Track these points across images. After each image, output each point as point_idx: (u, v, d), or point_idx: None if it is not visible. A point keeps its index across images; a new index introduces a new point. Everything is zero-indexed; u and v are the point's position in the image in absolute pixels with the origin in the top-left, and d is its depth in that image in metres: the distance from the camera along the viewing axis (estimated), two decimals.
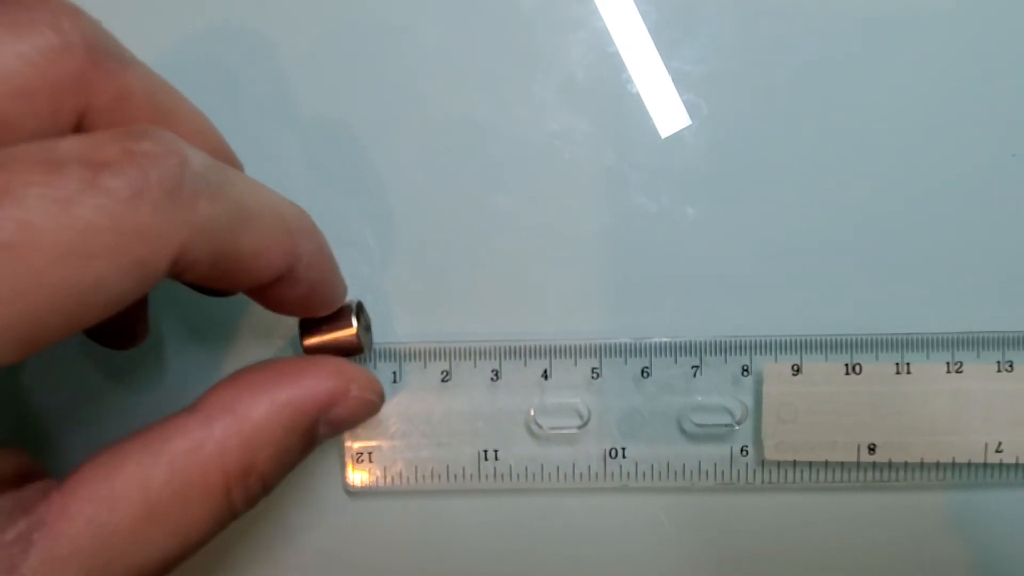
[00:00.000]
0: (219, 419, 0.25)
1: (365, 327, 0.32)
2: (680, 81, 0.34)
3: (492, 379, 0.34)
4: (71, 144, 0.21)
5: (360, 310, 0.31)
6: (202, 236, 0.22)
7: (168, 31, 0.34)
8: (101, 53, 0.23)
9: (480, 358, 0.34)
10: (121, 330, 0.31)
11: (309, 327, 0.30)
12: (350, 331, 0.30)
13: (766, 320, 0.34)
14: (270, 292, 0.26)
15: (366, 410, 0.28)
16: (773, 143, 0.34)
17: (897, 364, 0.33)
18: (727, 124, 0.34)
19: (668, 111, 0.34)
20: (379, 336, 0.34)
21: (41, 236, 0.19)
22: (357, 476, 0.34)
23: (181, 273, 0.23)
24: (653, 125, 0.34)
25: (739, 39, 0.34)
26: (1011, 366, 0.33)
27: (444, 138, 0.34)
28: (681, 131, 0.34)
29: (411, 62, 0.34)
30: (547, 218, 0.34)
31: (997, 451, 0.33)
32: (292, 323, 0.31)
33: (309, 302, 0.28)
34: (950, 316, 0.34)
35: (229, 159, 0.28)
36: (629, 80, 0.34)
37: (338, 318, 0.30)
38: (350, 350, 0.30)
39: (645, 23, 0.34)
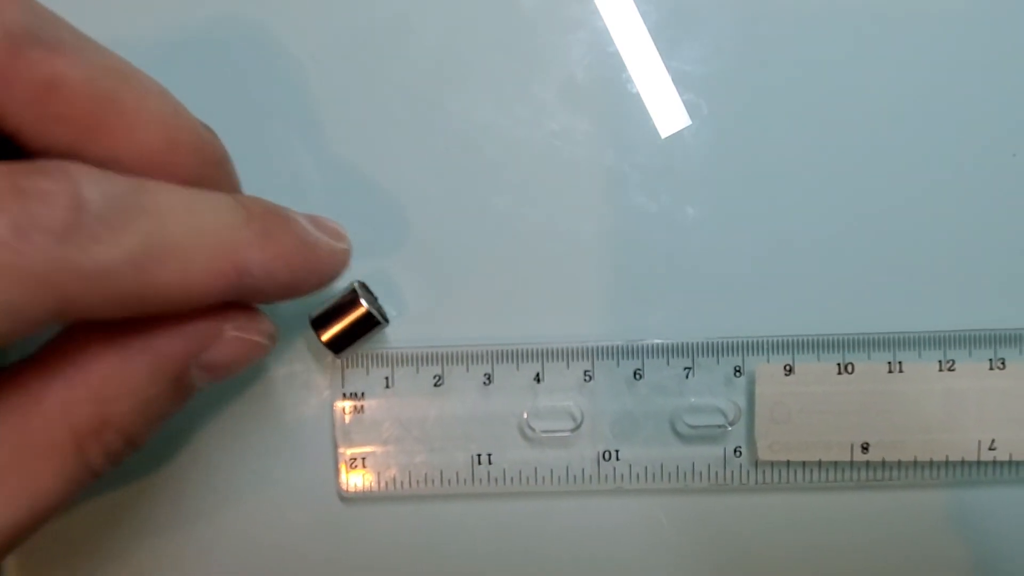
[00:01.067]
0: (60, 370, 0.23)
1: (373, 300, 0.32)
2: (680, 81, 0.33)
3: (484, 383, 0.33)
4: None
5: (364, 289, 0.30)
6: (96, 282, 0.20)
7: (171, 39, 0.34)
8: (24, 40, 0.21)
9: (472, 362, 0.33)
10: None
11: (321, 322, 0.30)
12: (361, 310, 0.30)
13: (758, 321, 0.34)
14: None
15: (249, 352, 0.26)
16: (772, 143, 0.34)
17: (889, 363, 0.33)
18: (727, 124, 0.34)
19: (668, 111, 0.33)
20: (372, 341, 0.33)
21: None
22: (351, 481, 0.34)
23: (81, 317, 0.21)
24: (653, 125, 0.33)
25: (739, 39, 0.33)
26: (1003, 363, 0.33)
27: (443, 138, 0.34)
28: (681, 131, 0.33)
29: (411, 62, 0.34)
30: (546, 218, 0.34)
31: (990, 448, 0.33)
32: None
33: (292, 295, 0.26)
34: (942, 314, 0.34)
35: (195, 143, 0.25)
36: (629, 80, 0.33)
37: (346, 303, 0.30)
38: (370, 326, 0.30)
39: (645, 23, 0.33)
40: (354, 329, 0.30)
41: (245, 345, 0.26)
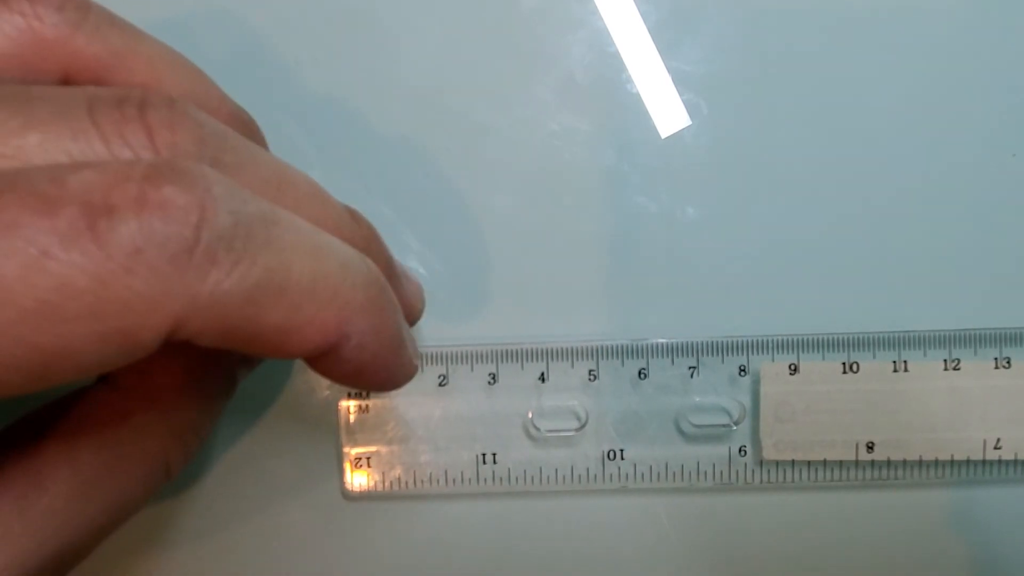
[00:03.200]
0: (139, 386, 0.23)
1: None
2: (680, 81, 0.33)
3: (489, 382, 0.33)
4: (85, 177, 0.18)
5: None
6: (208, 311, 0.19)
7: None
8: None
9: (477, 361, 0.34)
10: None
11: None
12: None
13: (763, 320, 0.34)
14: (308, 363, 0.23)
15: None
16: (773, 143, 0.34)
17: (894, 362, 0.33)
18: (727, 124, 0.34)
19: (668, 111, 0.33)
20: None
21: (8, 290, 0.17)
22: (356, 481, 0.34)
23: (184, 342, 0.20)
24: (653, 125, 0.34)
25: (739, 39, 0.33)
26: (1008, 362, 0.33)
27: (444, 138, 0.34)
28: (681, 131, 0.33)
29: (411, 62, 0.34)
30: (547, 218, 0.34)
31: (996, 448, 0.33)
32: None
33: (357, 381, 0.24)
34: (947, 313, 0.34)
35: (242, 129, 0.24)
36: (629, 80, 0.34)
37: None
38: None
39: (645, 23, 0.33)
40: None
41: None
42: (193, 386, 0.24)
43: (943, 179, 0.33)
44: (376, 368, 0.23)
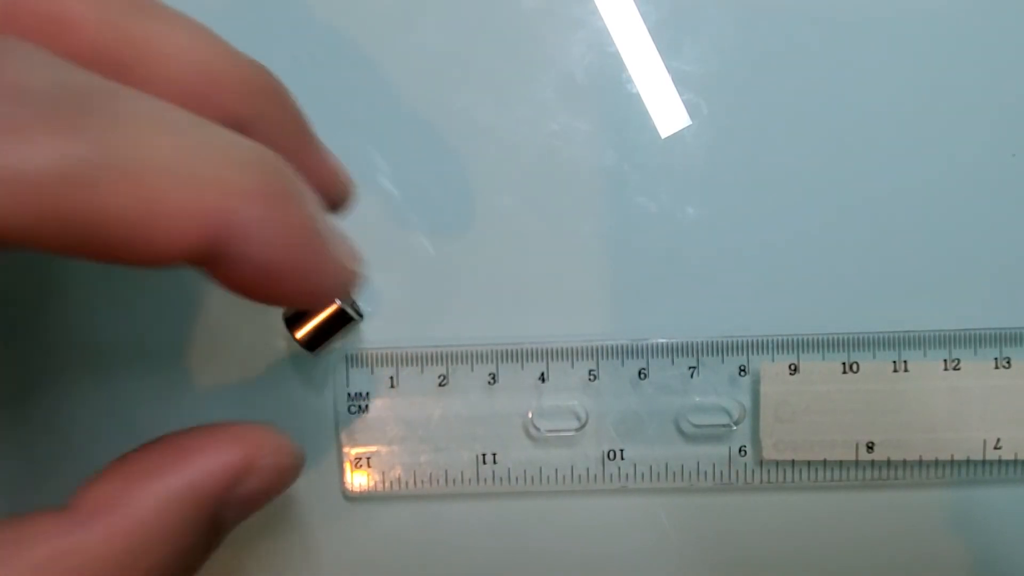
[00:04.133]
0: (100, 518, 0.19)
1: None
2: (680, 81, 0.33)
3: (489, 382, 0.33)
4: None
5: None
6: (19, 193, 0.16)
7: None
8: None
9: (477, 361, 0.33)
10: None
11: (295, 320, 0.29)
12: (332, 307, 0.29)
13: (763, 320, 0.34)
14: (207, 271, 0.19)
15: (284, 477, 0.22)
16: (772, 143, 0.34)
17: (894, 362, 0.33)
18: (727, 124, 0.34)
19: (668, 111, 0.33)
20: (376, 341, 0.33)
21: None
22: (356, 481, 0.34)
23: (14, 240, 0.16)
24: (653, 125, 0.34)
25: (739, 39, 0.33)
26: (1008, 362, 0.33)
27: (444, 138, 0.34)
28: (681, 131, 0.33)
29: (411, 62, 0.34)
30: (546, 218, 0.34)
31: (996, 448, 0.33)
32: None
33: (270, 290, 0.20)
34: (947, 313, 0.33)
35: (240, 75, 0.21)
36: (629, 80, 0.34)
37: None
38: (342, 323, 0.29)
39: (645, 23, 0.33)
40: (327, 327, 0.29)
41: (279, 471, 0.22)
42: (166, 530, 0.20)
43: (943, 179, 0.33)
44: (289, 271, 0.20)
